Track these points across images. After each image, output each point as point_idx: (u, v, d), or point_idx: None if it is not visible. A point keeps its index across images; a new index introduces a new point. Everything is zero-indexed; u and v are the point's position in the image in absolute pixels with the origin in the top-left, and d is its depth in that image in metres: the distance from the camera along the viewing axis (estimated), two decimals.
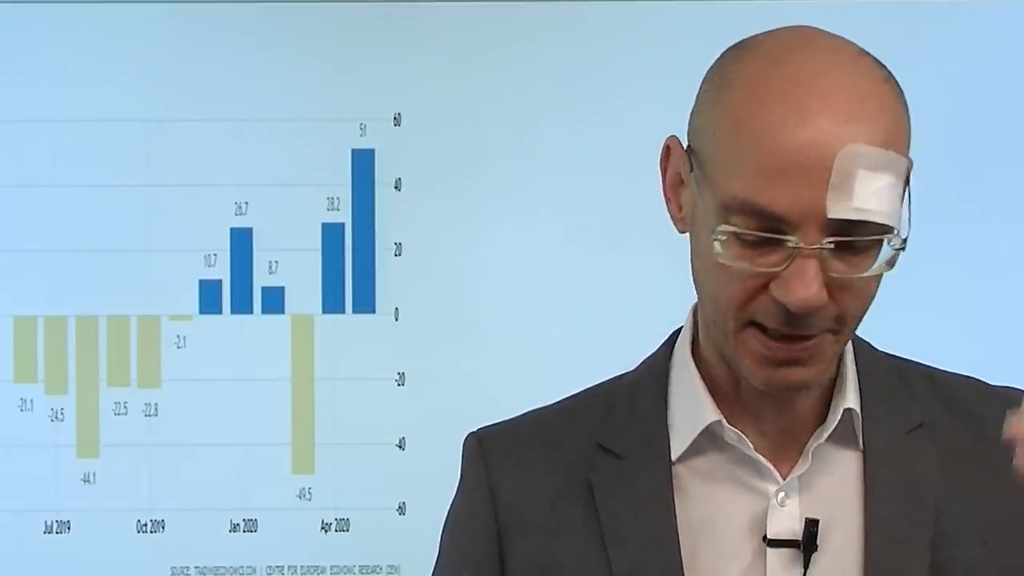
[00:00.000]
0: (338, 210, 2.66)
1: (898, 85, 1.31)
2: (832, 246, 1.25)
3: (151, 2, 2.66)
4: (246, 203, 2.66)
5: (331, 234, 2.66)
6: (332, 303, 2.66)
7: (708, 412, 1.38)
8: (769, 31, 1.33)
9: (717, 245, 1.27)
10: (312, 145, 2.67)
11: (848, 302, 1.29)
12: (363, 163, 2.67)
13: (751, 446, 1.37)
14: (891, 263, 1.29)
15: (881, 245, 1.27)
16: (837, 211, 1.24)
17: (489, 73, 2.66)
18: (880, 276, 1.30)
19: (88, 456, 2.65)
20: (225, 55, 2.66)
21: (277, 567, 2.65)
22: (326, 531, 2.64)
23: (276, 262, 2.66)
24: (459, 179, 2.67)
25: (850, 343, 1.40)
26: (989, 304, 2.64)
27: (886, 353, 1.45)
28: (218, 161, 2.66)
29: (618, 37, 2.65)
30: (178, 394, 2.65)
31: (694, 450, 1.39)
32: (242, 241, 2.66)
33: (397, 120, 2.67)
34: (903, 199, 1.28)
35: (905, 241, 1.28)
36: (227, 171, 2.67)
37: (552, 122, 2.65)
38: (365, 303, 2.66)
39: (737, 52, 1.32)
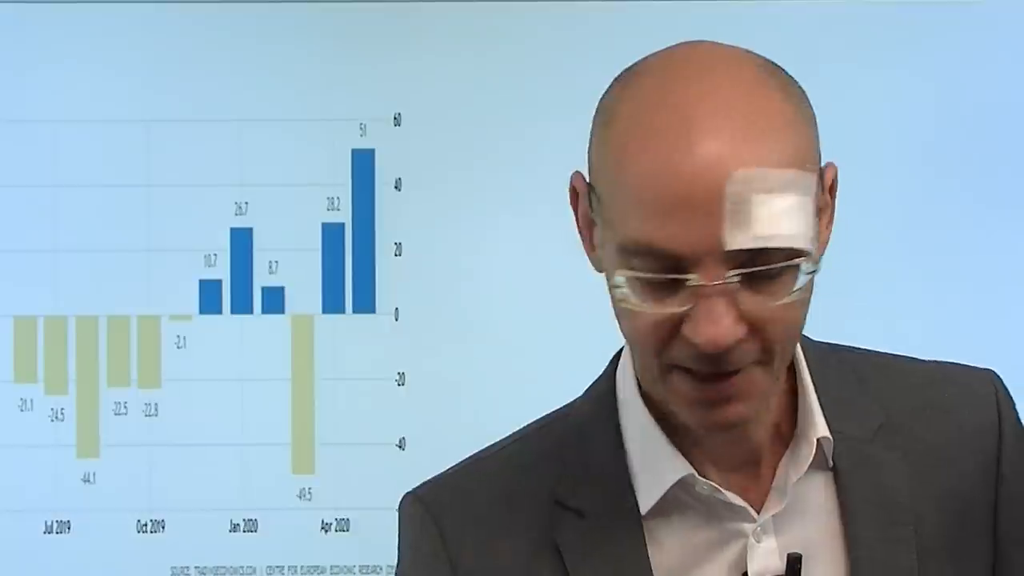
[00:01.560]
0: (338, 210, 2.66)
1: (799, 93, 1.25)
2: (738, 279, 1.18)
3: (151, 2, 2.66)
4: (246, 203, 2.66)
5: (331, 234, 2.66)
6: (332, 303, 2.66)
7: (677, 465, 1.31)
8: (658, 52, 1.27)
9: (618, 292, 1.22)
10: (312, 145, 2.67)
11: (771, 333, 1.21)
12: (363, 163, 2.67)
13: (726, 494, 1.31)
14: (807, 287, 1.21)
15: (796, 268, 1.19)
16: (736, 242, 1.17)
17: (489, 73, 2.66)
18: (807, 299, 1.23)
19: (88, 456, 2.65)
20: (225, 55, 2.66)
21: (277, 567, 2.65)
22: (326, 531, 2.65)
23: (276, 262, 2.66)
24: (459, 179, 2.67)
25: (804, 361, 1.35)
26: (989, 304, 2.63)
27: (829, 345, 1.39)
28: (218, 161, 2.67)
29: (618, 37, 2.64)
30: (178, 394, 2.65)
31: (664, 501, 1.32)
32: (242, 241, 2.66)
33: (397, 120, 2.67)
34: (813, 216, 1.21)
35: (818, 262, 1.21)
36: (227, 171, 2.67)
37: (552, 122, 2.64)
38: (365, 303, 2.66)
39: (621, 83, 1.26)
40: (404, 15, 2.66)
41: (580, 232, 1.31)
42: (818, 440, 1.32)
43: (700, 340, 1.19)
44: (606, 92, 1.28)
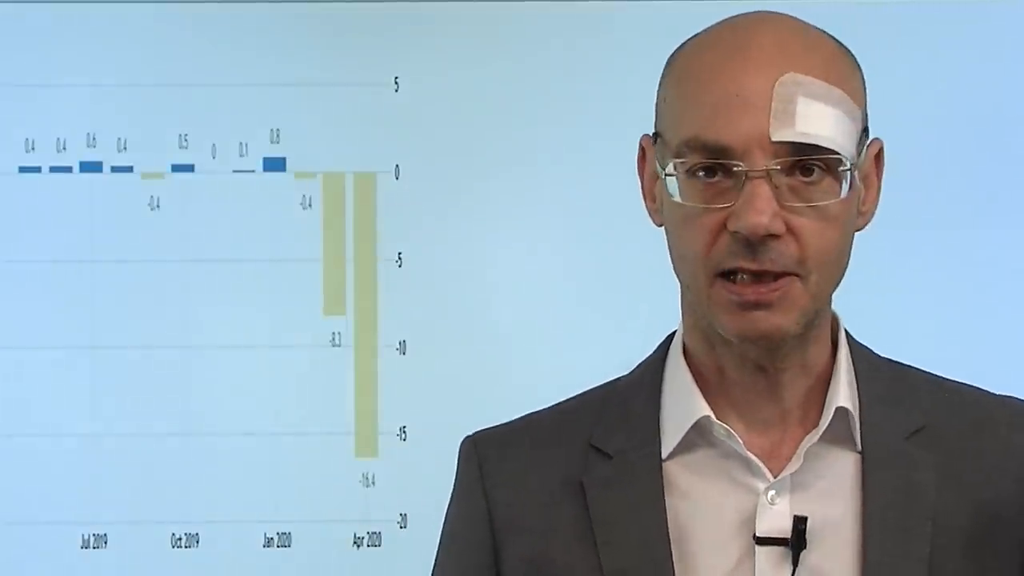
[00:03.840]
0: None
1: (851, 55, 1.37)
2: (778, 167, 1.28)
3: (151, 2, 2.69)
4: None
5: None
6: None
7: (697, 407, 1.39)
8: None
9: (671, 182, 1.32)
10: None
11: (809, 241, 1.30)
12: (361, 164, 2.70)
13: (740, 442, 1.37)
14: (841, 187, 1.30)
15: (835, 178, 1.30)
16: (780, 134, 1.28)
17: (491, 74, 2.68)
18: (847, 232, 1.33)
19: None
20: (223, 56, 2.68)
21: None
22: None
23: None
24: (460, 182, 2.68)
25: (847, 346, 1.41)
26: (988, 306, 2.63)
27: (888, 359, 1.45)
28: None
29: (619, 36, 2.66)
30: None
31: (684, 446, 1.39)
32: None
33: (397, 122, 2.68)
34: (854, 137, 1.32)
35: (854, 167, 1.31)
36: None
37: (555, 123, 2.67)
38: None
39: (688, 40, 1.39)
40: (406, 16, 2.68)
41: (644, 195, 1.41)
42: (846, 417, 1.38)
43: (743, 224, 1.28)
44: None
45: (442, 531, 1.51)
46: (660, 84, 1.38)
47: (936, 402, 1.43)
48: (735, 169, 1.28)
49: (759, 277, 1.30)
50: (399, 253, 2.68)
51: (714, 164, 1.29)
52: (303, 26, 2.68)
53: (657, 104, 1.38)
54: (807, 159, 1.29)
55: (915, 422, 1.40)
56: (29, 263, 2.67)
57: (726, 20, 1.37)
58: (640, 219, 2.57)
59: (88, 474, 2.65)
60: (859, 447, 1.38)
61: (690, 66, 1.34)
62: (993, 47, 2.66)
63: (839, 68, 1.33)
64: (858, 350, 1.43)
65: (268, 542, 2.65)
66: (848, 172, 1.30)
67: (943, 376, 1.47)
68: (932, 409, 1.42)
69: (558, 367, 2.53)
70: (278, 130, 2.68)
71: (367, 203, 2.68)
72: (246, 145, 2.68)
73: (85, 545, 2.66)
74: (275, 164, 2.68)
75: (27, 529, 2.65)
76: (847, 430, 1.38)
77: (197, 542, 2.65)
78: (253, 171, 2.68)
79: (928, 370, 1.48)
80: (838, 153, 1.30)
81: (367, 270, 2.68)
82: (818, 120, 1.28)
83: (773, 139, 1.28)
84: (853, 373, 1.40)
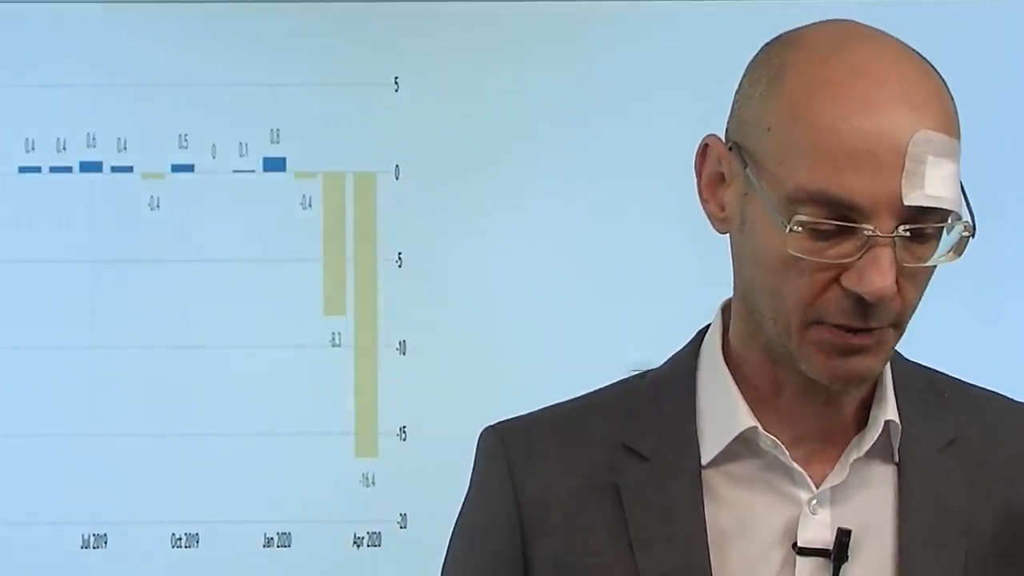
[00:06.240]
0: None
1: (946, 85, 1.32)
2: (908, 234, 1.24)
3: (151, 2, 2.69)
4: None
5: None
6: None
7: (743, 418, 1.36)
8: (807, 25, 1.33)
9: (791, 238, 1.25)
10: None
11: (910, 294, 1.28)
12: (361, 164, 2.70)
13: (787, 454, 1.35)
14: (959, 250, 1.28)
15: (940, 234, 1.26)
16: (912, 198, 1.23)
17: (491, 73, 2.68)
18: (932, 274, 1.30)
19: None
20: (223, 56, 2.69)
21: None
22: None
23: None
24: (460, 182, 2.68)
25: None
26: (992, 307, 2.65)
27: (917, 364, 1.44)
28: None
29: (619, 37, 2.65)
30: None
31: (725, 454, 1.37)
32: None
33: (397, 122, 2.69)
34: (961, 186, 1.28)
35: (974, 228, 1.27)
36: None
37: (555, 123, 2.67)
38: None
39: (782, 45, 1.32)
40: (405, 16, 2.68)
41: (701, 194, 1.36)
42: (887, 427, 1.36)
43: (866, 289, 1.24)
44: (763, 55, 1.33)
45: (459, 523, 1.48)
46: (753, 96, 1.31)
47: (964, 411, 1.42)
48: (864, 232, 1.24)
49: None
50: (399, 253, 2.68)
51: (840, 227, 1.24)
52: (303, 26, 2.68)
53: (749, 120, 1.30)
54: (929, 225, 1.25)
55: (948, 434, 1.39)
56: (29, 263, 2.67)
57: (831, 40, 1.29)
58: (639, 219, 2.62)
59: (88, 474, 2.65)
60: (896, 458, 1.37)
61: (810, 106, 1.25)
62: (993, 47, 2.66)
63: (951, 112, 1.29)
64: (893, 357, 1.39)
65: (268, 542, 2.65)
66: (952, 227, 1.27)
67: (966, 381, 1.46)
68: (962, 419, 1.41)
69: (558, 367, 2.53)
70: (278, 130, 2.68)
71: (367, 203, 2.68)
72: (246, 145, 2.68)
73: (85, 545, 2.66)
74: (275, 164, 2.68)
75: (27, 529, 2.65)
76: (887, 441, 1.37)
77: (197, 542, 2.65)
78: (253, 171, 2.68)
79: (944, 372, 1.47)
80: (956, 212, 1.27)
81: (367, 270, 2.68)
82: (944, 181, 1.24)
83: (905, 203, 1.23)
84: (892, 381, 1.39)
